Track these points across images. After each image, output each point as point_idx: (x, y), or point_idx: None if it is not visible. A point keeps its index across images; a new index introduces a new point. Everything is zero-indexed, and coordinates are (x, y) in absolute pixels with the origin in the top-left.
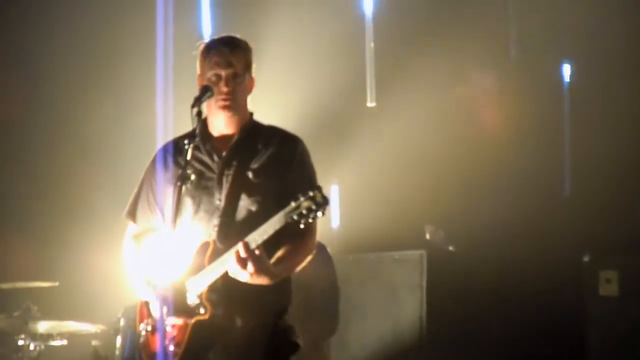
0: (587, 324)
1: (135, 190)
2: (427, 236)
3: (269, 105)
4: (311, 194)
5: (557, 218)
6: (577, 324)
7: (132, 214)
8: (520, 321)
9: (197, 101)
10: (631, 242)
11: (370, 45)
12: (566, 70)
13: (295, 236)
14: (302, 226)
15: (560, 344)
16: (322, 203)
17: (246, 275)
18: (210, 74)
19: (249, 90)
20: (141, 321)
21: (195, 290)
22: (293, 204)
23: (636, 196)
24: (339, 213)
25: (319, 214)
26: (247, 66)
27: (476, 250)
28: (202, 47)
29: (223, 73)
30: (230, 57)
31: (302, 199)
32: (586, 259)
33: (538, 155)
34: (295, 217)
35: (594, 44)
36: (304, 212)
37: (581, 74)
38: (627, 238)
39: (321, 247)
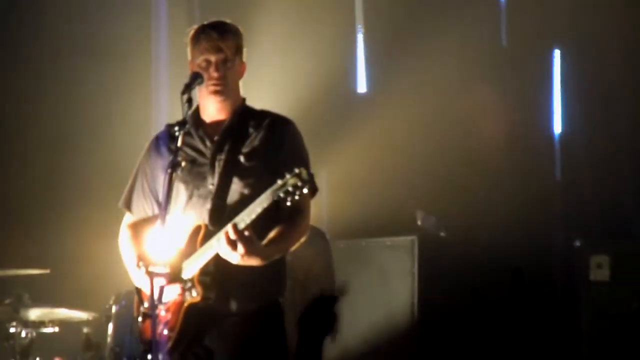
0: (578, 308)
1: (130, 180)
2: (419, 222)
3: (260, 91)
4: (297, 171)
5: (548, 203)
6: (568, 308)
7: (128, 204)
8: (512, 306)
9: (187, 88)
10: (622, 227)
11: (360, 30)
12: (557, 55)
13: (288, 217)
14: (288, 203)
15: (551, 329)
16: (307, 179)
17: (237, 256)
18: (200, 59)
19: (239, 74)
20: (137, 308)
21: (188, 273)
22: (279, 182)
23: (627, 181)
24: (329, 199)
25: (305, 190)
26: (237, 51)
27: (467, 235)
28: (191, 33)
29: (213, 58)
30: (219, 42)
31: (288, 176)
32: (577, 243)
33: (529, 140)
34: (281, 195)
35: (584, 29)
36: (290, 189)
37: (572, 59)
38: (618, 223)
39: (320, 234)
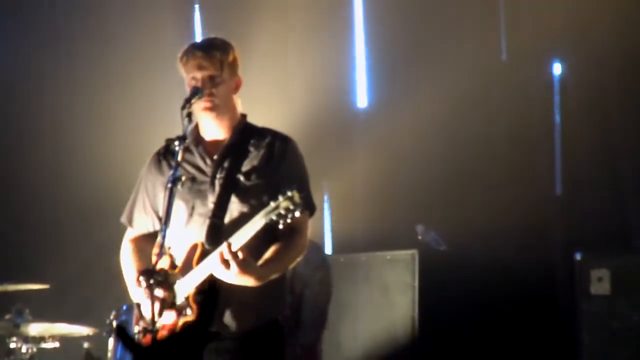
0: (578, 322)
1: (132, 194)
2: (419, 236)
3: (259, 107)
4: (289, 194)
5: (549, 216)
6: (569, 322)
7: (129, 219)
8: (512, 320)
9: (187, 102)
10: (623, 241)
11: (360, 46)
12: (557, 68)
13: (285, 236)
14: (281, 226)
15: (552, 342)
16: (300, 203)
17: (231, 275)
18: (188, 78)
19: (232, 89)
20: (136, 324)
21: (184, 292)
22: (272, 205)
23: (628, 194)
24: (330, 213)
25: (297, 213)
26: (225, 66)
27: (468, 249)
28: (180, 53)
29: (199, 76)
30: (203, 60)
31: (280, 199)
32: (578, 257)
33: (529, 154)
34: (274, 218)
35: (585, 42)
36: (282, 212)
37: (572, 72)
38: (619, 236)
39: (318, 249)
